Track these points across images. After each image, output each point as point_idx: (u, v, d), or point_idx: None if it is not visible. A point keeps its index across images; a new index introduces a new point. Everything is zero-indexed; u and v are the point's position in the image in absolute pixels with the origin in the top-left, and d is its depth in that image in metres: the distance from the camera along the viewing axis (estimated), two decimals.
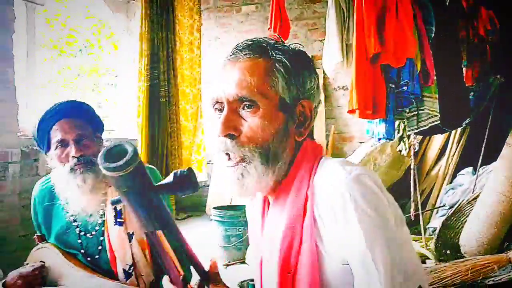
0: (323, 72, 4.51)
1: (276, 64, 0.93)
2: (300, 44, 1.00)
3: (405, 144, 3.32)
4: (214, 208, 3.48)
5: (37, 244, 2.02)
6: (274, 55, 0.94)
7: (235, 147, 0.92)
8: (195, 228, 4.37)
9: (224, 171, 0.95)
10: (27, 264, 1.97)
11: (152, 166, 2.06)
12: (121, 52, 5.25)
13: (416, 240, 3.34)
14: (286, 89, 0.93)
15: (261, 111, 0.92)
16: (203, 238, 3.78)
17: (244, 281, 2.42)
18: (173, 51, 3.39)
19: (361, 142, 4.64)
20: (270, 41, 0.98)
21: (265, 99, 0.92)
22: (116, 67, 6.45)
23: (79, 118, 1.74)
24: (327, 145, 4.66)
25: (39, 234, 2.01)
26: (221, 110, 0.96)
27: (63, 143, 1.70)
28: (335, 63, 3.65)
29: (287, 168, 0.96)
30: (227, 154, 0.94)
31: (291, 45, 1.00)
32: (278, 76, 0.93)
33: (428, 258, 3.10)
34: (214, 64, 5.35)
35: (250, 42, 0.97)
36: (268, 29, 3.76)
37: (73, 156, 1.71)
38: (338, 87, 4.96)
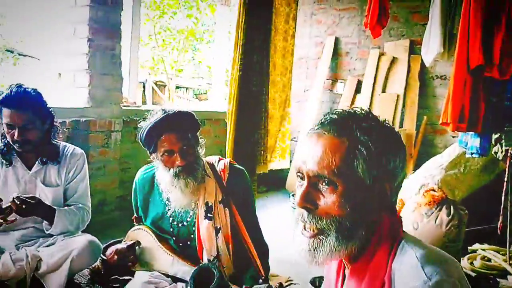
0: (421, 59, 4.30)
1: (360, 146, 0.94)
2: (387, 123, 0.99)
3: (501, 146, 3.13)
4: (293, 195, 3.58)
5: (135, 224, 2.28)
6: (359, 135, 0.94)
7: (311, 219, 0.96)
8: (275, 204, 4.55)
9: (299, 237, 1.00)
10: (124, 241, 2.24)
11: (241, 167, 2.22)
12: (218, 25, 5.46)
13: (498, 252, 3.20)
14: (366, 171, 0.94)
15: (339, 190, 0.94)
16: (280, 218, 3.93)
17: (316, 277, 2.50)
18: (268, 40, 3.42)
19: (454, 137, 4.42)
20: (356, 117, 0.98)
21: (344, 179, 0.94)
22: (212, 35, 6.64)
23: (181, 132, 2.00)
24: (416, 136, 4.49)
25: (136, 216, 2.28)
26: (302, 178, 0.99)
27: (170, 152, 1.98)
28: (435, 54, 3.45)
29: (362, 245, 0.97)
30: (303, 223, 0.98)
31: (379, 121, 0.99)
32: (360, 159, 0.93)
33: (510, 274, 2.98)
34: (307, 43, 5.33)
35: (336, 117, 0.98)
36: (366, 16, 3.64)
37: (178, 165, 1.96)
38: (436, 76, 4.71)
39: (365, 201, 0.95)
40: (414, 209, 3.13)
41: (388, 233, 0.98)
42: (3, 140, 2.30)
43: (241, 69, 3.17)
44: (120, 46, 3.60)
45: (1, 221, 2.07)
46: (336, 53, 5.18)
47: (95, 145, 3.46)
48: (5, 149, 2.29)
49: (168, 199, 2.12)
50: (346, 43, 5.13)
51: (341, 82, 5.17)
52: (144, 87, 7.87)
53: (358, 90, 4.95)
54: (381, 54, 4.86)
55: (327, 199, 0.95)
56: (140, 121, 2.11)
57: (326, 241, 0.95)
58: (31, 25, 7.60)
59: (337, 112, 0.99)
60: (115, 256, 2.14)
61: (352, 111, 0.99)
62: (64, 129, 3.08)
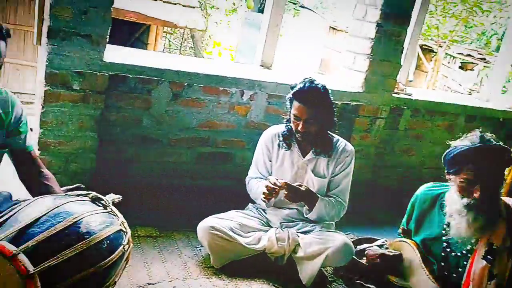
0: None
1: None
2: None
3: None
4: None
5: (401, 234, 2.27)
6: None
7: None
8: None
9: None
10: (387, 248, 2.25)
11: None
12: None
13: None
14: None
15: None
16: None
17: None
18: None
19: None
20: None
21: None
22: None
23: (492, 168, 1.93)
24: None
25: (405, 228, 2.25)
26: None
27: (470, 183, 1.92)
28: None
29: None
30: None
31: None
32: None
33: None
34: None
35: None
36: None
37: (475, 197, 1.89)
38: None
39: None
40: None
41: None
42: (287, 125, 2.52)
43: None
44: (406, 32, 3.45)
45: (267, 200, 2.33)
46: None
47: (358, 129, 3.51)
48: (287, 133, 2.52)
49: (448, 225, 2.02)
50: None
51: None
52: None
53: None
54: None
55: None
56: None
57: None
58: None
59: None
60: (378, 260, 2.18)
61: None
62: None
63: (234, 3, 10.19)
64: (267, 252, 2.36)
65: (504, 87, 6.42)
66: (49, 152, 2.55)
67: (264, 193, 2.32)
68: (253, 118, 3.20)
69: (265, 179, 2.54)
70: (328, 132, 2.50)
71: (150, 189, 2.93)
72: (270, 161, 2.57)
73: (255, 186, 2.55)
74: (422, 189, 2.23)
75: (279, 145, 2.54)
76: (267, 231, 2.43)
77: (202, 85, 2.94)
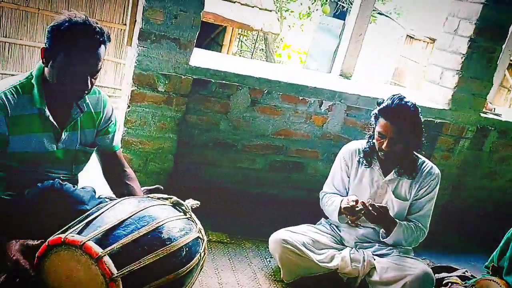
0: None
1: None
2: None
3: None
4: None
5: (489, 273, 2.09)
6: None
7: None
8: None
9: None
10: (473, 286, 2.08)
11: None
12: None
13: None
14: None
15: None
16: None
17: None
18: None
19: None
20: None
21: None
22: None
23: None
24: None
25: (495, 266, 2.06)
26: None
27: None
28: None
29: None
30: None
31: None
32: None
33: None
34: None
35: None
36: None
37: None
38: None
39: None
40: None
41: None
42: (369, 142, 2.41)
43: None
44: (500, 49, 3.21)
45: (352, 222, 2.24)
46: None
47: (440, 147, 3.32)
48: (369, 150, 2.41)
49: None
50: None
51: None
52: None
53: None
54: None
55: None
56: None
57: None
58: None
59: None
60: None
61: None
62: None
63: (309, 7, 10.11)
64: (340, 272, 2.28)
65: None
66: (130, 150, 2.62)
67: (346, 210, 2.23)
68: (330, 129, 3.12)
69: (341, 195, 2.45)
70: (414, 152, 2.36)
71: (222, 194, 2.94)
72: (348, 177, 2.48)
73: (330, 201, 2.47)
74: None
75: (359, 161, 2.44)
76: (341, 250, 2.34)
77: (281, 93, 2.90)
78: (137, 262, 1.49)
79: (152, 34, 2.44)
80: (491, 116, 3.52)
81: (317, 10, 10.34)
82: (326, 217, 2.57)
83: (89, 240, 1.46)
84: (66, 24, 1.65)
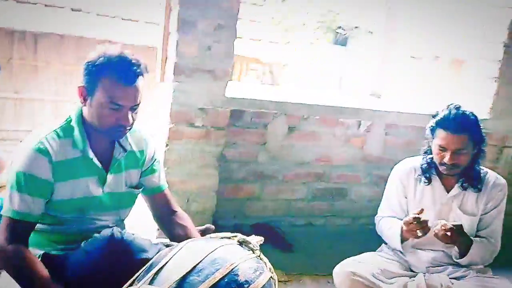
0: None
1: None
2: None
3: None
4: None
5: None
6: None
7: None
8: None
9: None
10: None
11: None
12: None
13: None
14: None
15: None
16: None
17: None
18: None
19: None
20: None
21: None
22: None
23: None
24: None
25: None
26: None
27: None
28: None
29: None
30: None
31: None
32: None
33: None
34: None
35: None
36: None
37: None
38: None
39: None
40: None
41: None
42: (426, 158, 2.27)
43: None
44: None
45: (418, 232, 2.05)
46: None
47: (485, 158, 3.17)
48: (427, 166, 2.26)
49: None
50: None
51: None
52: None
53: None
54: None
55: None
56: None
57: None
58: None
59: None
60: None
61: None
62: None
63: (316, 38, 10.22)
64: None
65: None
66: (171, 191, 2.47)
67: (411, 225, 2.05)
68: (370, 150, 2.99)
69: (400, 219, 2.28)
70: (477, 163, 2.21)
71: (267, 228, 2.78)
72: (406, 197, 2.31)
73: (388, 225, 2.30)
74: None
75: (416, 179, 2.29)
76: (412, 276, 2.16)
77: (318, 117, 2.79)
78: None
79: (186, 68, 2.34)
80: None
81: (317, 39, 10.44)
82: (385, 243, 2.40)
83: None
84: (101, 58, 1.55)
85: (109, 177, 1.71)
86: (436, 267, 2.21)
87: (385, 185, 2.41)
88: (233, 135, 2.64)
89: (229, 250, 1.55)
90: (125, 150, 1.74)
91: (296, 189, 2.91)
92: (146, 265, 1.47)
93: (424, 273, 2.16)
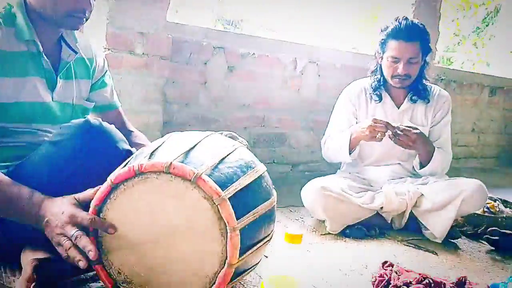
0: None
1: None
2: None
3: None
4: None
5: None
6: None
7: None
8: None
9: None
10: None
11: None
12: None
13: None
14: None
15: None
16: None
17: None
18: None
19: None
20: None
21: None
22: None
23: None
24: None
25: None
26: None
27: None
28: None
29: None
30: None
31: None
32: None
33: None
34: None
35: None
36: None
37: None
38: None
39: None
40: None
41: None
42: (375, 77, 2.30)
43: None
44: None
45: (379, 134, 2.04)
46: None
47: None
48: (377, 84, 2.29)
49: None
50: None
51: None
52: None
53: None
54: None
55: None
56: None
57: None
58: None
59: None
60: None
61: None
62: None
63: None
64: (385, 211, 2.08)
65: None
66: None
67: (370, 127, 2.04)
68: (305, 93, 2.97)
69: None
70: (424, 76, 2.29)
71: None
72: (356, 118, 2.31)
73: (335, 141, 2.25)
74: None
75: (367, 99, 2.30)
76: (377, 190, 2.16)
77: (256, 55, 2.69)
78: (237, 182, 1.13)
79: None
80: None
81: None
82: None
83: (175, 160, 1.07)
84: None
85: (59, 82, 1.41)
86: (396, 180, 2.24)
87: (322, 130, 2.39)
88: (172, 72, 2.41)
89: (222, 138, 1.37)
90: (74, 52, 1.45)
91: (238, 134, 2.76)
92: (131, 156, 1.22)
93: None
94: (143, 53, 2.18)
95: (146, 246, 1.09)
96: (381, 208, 2.08)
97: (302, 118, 3.04)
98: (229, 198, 1.06)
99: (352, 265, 1.67)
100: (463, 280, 1.48)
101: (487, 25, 7.16)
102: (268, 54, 2.73)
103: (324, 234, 2.00)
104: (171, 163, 1.05)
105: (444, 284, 1.42)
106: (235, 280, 1.16)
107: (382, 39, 2.20)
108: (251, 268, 1.24)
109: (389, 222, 2.13)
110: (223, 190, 1.06)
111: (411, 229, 2.12)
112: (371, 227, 2.06)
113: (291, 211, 2.29)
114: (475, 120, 4.27)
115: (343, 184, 2.11)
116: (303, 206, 2.12)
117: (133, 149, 1.30)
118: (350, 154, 2.17)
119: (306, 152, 3.12)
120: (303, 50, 2.84)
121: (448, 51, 7.17)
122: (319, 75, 3.03)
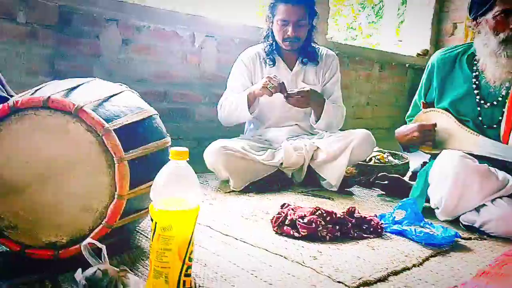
0: None
1: None
2: None
3: None
4: None
5: (421, 108, 2.12)
6: None
7: None
8: None
9: None
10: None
11: None
12: None
13: None
14: None
15: None
16: None
17: None
18: None
19: None
20: None
21: None
22: None
23: None
24: None
25: (425, 101, 2.10)
26: None
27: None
28: None
29: None
30: None
31: None
32: None
33: None
34: None
35: None
36: None
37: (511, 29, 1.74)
38: None
39: None
40: None
41: None
42: (268, 42, 2.39)
43: None
44: None
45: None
46: None
47: None
48: (270, 49, 2.38)
49: (477, 77, 1.90)
50: None
51: None
52: None
53: None
54: None
55: None
56: None
57: None
58: None
59: None
60: (416, 134, 1.97)
61: None
62: None
63: None
64: (285, 166, 2.17)
65: None
66: None
67: (264, 83, 2.13)
68: (205, 67, 3.00)
69: None
70: (312, 39, 2.42)
71: None
72: (252, 83, 2.39)
73: (231, 101, 2.32)
74: (436, 55, 2.10)
75: (261, 64, 2.39)
76: (278, 148, 2.25)
77: (152, 28, 2.66)
78: (124, 118, 1.13)
79: None
80: None
81: None
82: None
83: (53, 95, 1.04)
84: None
85: None
86: (294, 138, 2.35)
87: None
88: (61, 43, 2.30)
89: (109, 83, 1.35)
90: None
91: None
92: (30, 90, 1.16)
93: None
94: (26, 22, 2.06)
95: (32, 188, 1.05)
96: (281, 164, 2.17)
97: (204, 93, 3.05)
98: (115, 131, 1.06)
99: (254, 212, 1.73)
100: (353, 209, 1.60)
101: None
102: (165, 27, 2.71)
103: (228, 192, 2.05)
104: (49, 96, 1.02)
105: (335, 213, 1.52)
106: (130, 216, 1.15)
107: (272, 3, 2.29)
108: (147, 208, 1.24)
109: (290, 177, 2.23)
110: (108, 124, 1.05)
111: (310, 183, 2.24)
112: (273, 183, 2.15)
113: (200, 176, 2.30)
114: (369, 94, 4.58)
115: (244, 144, 2.18)
116: (211, 172, 2.16)
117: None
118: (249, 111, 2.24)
119: (211, 127, 3.14)
120: (201, 22, 2.85)
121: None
122: (218, 50, 3.06)
